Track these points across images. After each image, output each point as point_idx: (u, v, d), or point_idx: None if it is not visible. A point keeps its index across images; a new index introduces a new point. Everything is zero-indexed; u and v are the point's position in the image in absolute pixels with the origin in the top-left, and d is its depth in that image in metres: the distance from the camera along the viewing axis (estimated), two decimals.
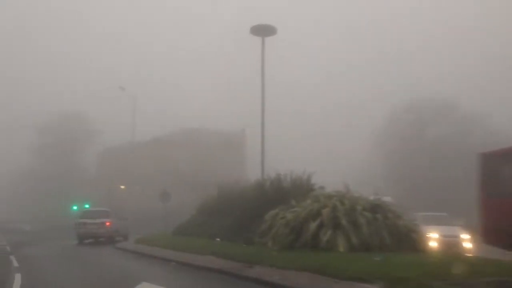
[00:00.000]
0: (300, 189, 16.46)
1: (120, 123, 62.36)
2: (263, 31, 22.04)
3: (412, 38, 62.44)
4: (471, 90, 46.65)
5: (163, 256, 15.29)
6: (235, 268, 11.37)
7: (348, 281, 8.79)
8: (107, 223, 24.27)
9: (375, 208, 13.59)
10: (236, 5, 77.62)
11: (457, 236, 17.20)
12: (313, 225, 12.85)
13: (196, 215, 22.68)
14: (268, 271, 10.51)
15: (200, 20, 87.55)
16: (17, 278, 10.97)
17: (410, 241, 13.00)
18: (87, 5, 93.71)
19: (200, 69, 73.41)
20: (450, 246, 16.39)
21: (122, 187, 54.22)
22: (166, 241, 19.87)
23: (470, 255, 14.90)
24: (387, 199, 16.16)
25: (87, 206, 44.14)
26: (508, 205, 11.80)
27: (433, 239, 16.60)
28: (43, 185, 58.61)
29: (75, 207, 45.91)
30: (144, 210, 46.25)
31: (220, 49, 74.46)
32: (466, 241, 16.99)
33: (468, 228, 17.52)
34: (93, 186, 57.65)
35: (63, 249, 20.94)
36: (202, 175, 50.01)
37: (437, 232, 17.08)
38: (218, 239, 17.58)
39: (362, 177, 36.42)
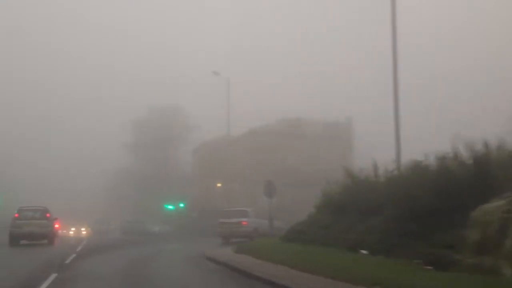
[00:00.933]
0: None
1: (213, 116, 58.14)
2: None
3: None
4: None
5: (283, 282, 8.94)
6: None
7: None
8: (243, 223, 24.96)
9: None
10: None
11: None
12: None
13: (316, 215, 16.26)
14: None
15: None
16: None
17: None
18: None
19: (300, 55, 67.30)
20: None
21: (219, 184, 49.59)
22: (278, 250, 13.80)
23: None
24: None
25: (182, 205, 40.10)
26: None
27: None
28: (138, 184, 55.88)
29: (170, 207, 42.09)
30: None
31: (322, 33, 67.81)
32: None
33: None
34: (188, 184, 53.79)
35: None
36: (307, 169, 43.80)
37: None
38: (365, 252, 10.99)
39: None
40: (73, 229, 61.64)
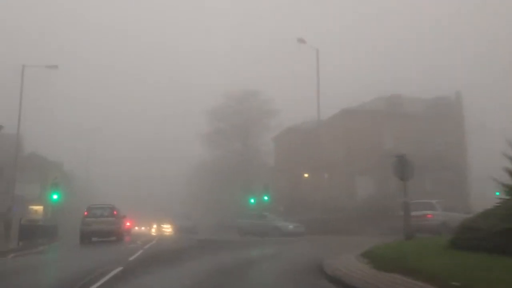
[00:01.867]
0: None
1: (295, 99, 52.44)
2: None
3: None
4: None
5: None
6: None
7: None
8: (428, 216, 22.70)
9: None
10: None
11: None
12: None
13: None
14: None
15: None
16: None
17: None
18: None
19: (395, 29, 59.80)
20: None
21: (306, 175, 43.80)
22: (457, 269, 7.75)
23: None
24: None
25: (266, 198, 34.82)
26: None
27: None
28: (217, 177, 51.42)
29: (252, 200, 36.92)
30: (338, 202, 34.86)
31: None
32: None
33: None
34: (270, 175, 48.43)
35: None
36: (414, 153, 36.64)
37: None
38: None
39: None
40: (154, 226, 58.28)
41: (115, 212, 24.14)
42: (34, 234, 23.42)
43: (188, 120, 57.18)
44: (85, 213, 23.99)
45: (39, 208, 43.65)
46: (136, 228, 69.66)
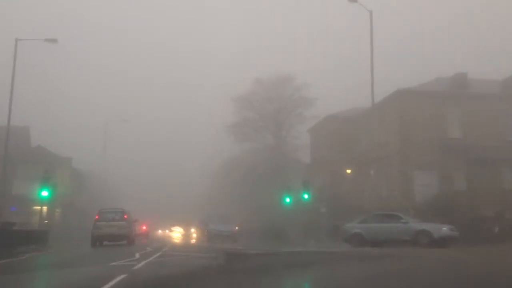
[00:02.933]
0: None
1: (338, 86, 46.24)
2: None
3: None
4: None
5: None
6: None
7: None
8: None
9: None
10: None
11: None
12: None
13: None
14: None
15: None
16: None
17: None
18: None
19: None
20: None
21: (348, 170, 37.42)
22: None
23: None
24: None
25: (306, 197, 28.69)
26: None
27: None
28: (247, 173, 45.48)
29: (288, 199, 30.83)
30: (392, 202, 28.48)
31: None
32: None
33: None
34: (307, 170, 42.18)
35: None
36: (485, 143, 29.89)
37: None
38: None
39: None
40: (177, 229, 52.20)
41: (125, 216, 24.29)
42: (11, 240, 18.20)
43: (215, 112, 51.40)
44: (96, 217, 24.14)
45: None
46: (160, 231, 64.39)
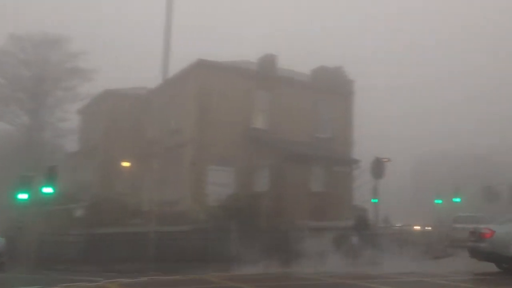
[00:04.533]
0: None
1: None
2: None
3: None
4: None
5: None
6: None
7: None
8: None
9: None
10: None
11: None
12: None
13: None
14: None
15: None
16: None
17: None
18: None
19: None
20: None
21: (126, 163, 28.76)
22: None
23: None
24: None
25: (47, 191, 19.13)
26: None
27: None
28: None
29: (24, 195, 20.64)
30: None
31: None
32: None
33: None
34: (71, 161, 31.91)
35: None
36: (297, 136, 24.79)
37: None
38: None
39: None
40: None
41: None
42: None
43: None
44: None
45: None
46: None
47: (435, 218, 33.80)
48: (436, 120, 76.71)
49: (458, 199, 36.77)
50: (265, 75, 25.82)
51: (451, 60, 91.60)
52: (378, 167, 17.97)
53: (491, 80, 75.76)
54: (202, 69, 24.25)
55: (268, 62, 26.87)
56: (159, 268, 14.15)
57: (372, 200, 23.15)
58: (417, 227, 27.59)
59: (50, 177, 17.96)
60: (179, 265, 14.38)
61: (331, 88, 27.32)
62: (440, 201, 39.15)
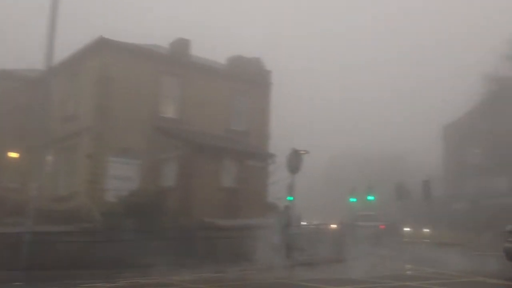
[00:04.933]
0: None
1: None
2: None
3: None
4: None
5: None
6: None
7: None
8: None
9: None
10: None
11: None
12: None
13: None
14: None
15: None
16: None
17: None
18: None
19: None
20: None
21: (14, 154, 25.14)
22: None
23: None
24: None
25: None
26: None
27: None
28: None
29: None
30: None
31: None
32: None
33: None
34: None
35: None
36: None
37: None
38: None
39: None
40: None
41: None
42: None
43: None
44: None
45: None
46: None
47: (350, 216, 33.51)
48: (362, 118, 77.84)
49: (372, 197, 36.88)
50: (176, 60, 23.61)
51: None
52: (295, 160, 16.52)
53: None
54: (104, 48, 21.51)
55: (180, 47, 24.68)
56: (30, 278, 11.60)
57: (288, 198, 22.03)
58: (333, 226, 26.88)
59: None
60: (55, 273, 11.88)
61: (248, 78, 25.69)
62: (354, 199, 39.08)
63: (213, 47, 31.69)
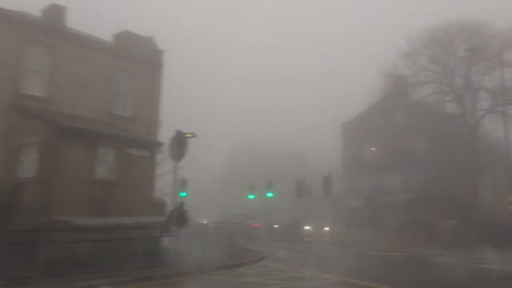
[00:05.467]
0: None
1: None
2: None
3: None
4: None
5: None
6: None
7: None
8: None
9: None
10: None
11: None
12: None
13: None
14: None
15: None
16: None
17: None
18: None
19: None
20: None
21: None
22: None
23: None
24: None
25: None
26: None
27: None
28: None
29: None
30: None
31: None
32: None
33: None
34: None
35: None
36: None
37: None
38: None
39: None
40: None
41: None
42: None
43: None
44: None
45: None
46: None
47: (227, 215, 32.08)
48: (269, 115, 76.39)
49: (271, 194, 35.47)
50: (47, 28, 19.72)
51: None
52: (178, 145, 13.80)
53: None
54: None
55: (53, 14, 20.77)
56: None
57: (180, 194, 19.48)
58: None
59: None
60: None
61: (136, 58, 22.43)
62: (253, 196, 37.41)
63: (97, 21, 27.85)
